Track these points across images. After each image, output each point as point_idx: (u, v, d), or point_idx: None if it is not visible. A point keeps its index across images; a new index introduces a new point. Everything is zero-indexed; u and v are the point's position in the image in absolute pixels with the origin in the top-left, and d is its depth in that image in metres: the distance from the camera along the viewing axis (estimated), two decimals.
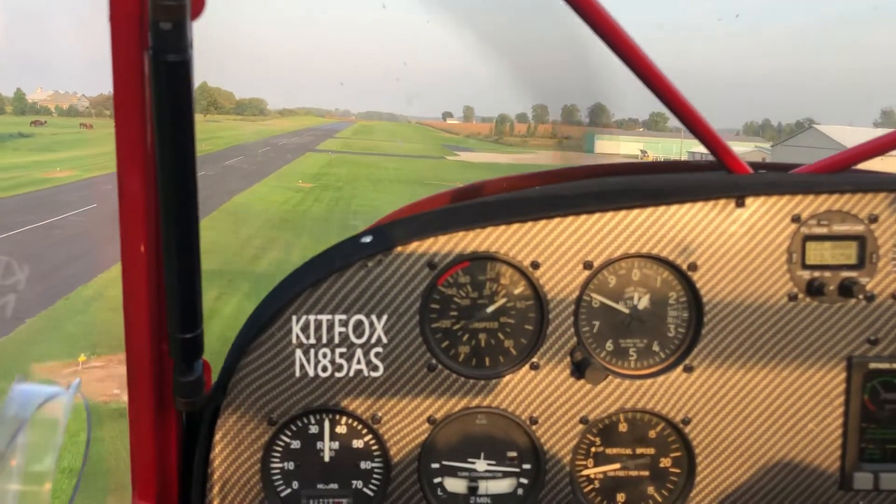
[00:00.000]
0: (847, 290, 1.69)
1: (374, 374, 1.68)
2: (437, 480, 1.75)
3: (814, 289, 1.70)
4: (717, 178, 1.81)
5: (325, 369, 1.68)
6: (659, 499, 1.79)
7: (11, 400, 1.22)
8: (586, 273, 1.68)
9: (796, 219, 1.69)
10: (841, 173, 1.83)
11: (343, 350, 1.67)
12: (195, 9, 1.24)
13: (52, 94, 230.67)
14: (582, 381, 1.70)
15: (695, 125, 1.71)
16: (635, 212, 1.67)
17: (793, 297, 1.71)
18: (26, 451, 1.18)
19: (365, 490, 1.74)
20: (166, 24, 1.14)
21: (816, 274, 1.71)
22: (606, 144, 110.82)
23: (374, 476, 1.74)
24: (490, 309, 1.70)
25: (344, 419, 1.72)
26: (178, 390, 1.48)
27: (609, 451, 1.77)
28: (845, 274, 1.71)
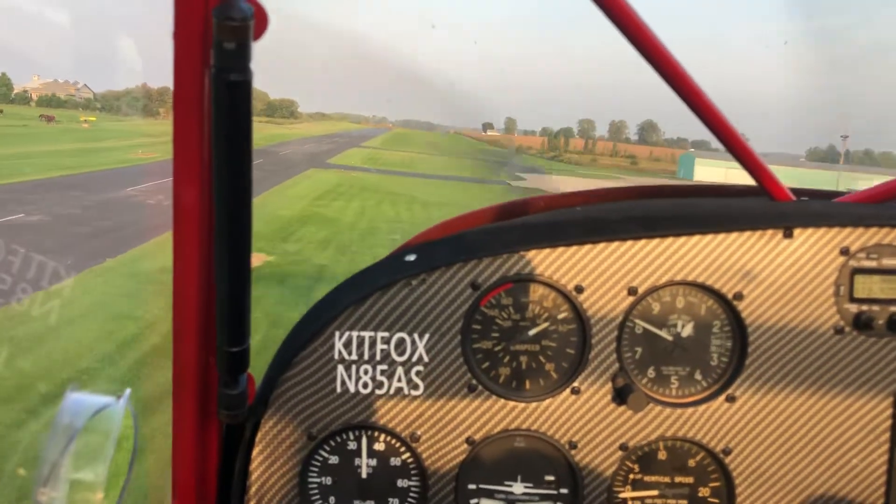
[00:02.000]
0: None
1: (414, 393, 1.68)
2: (473, 501, 1.74)
3: (861, 322, 1.67)
4: (762, 205, 1.80)
5: (365, 386, 1.68)
6: None
7: (64, 409, 1.24)
8: (631, 299, 1.67)
9: (845, 251, 1.67)
10: (889, 203, 1.80)
11: (384, 367, 1.68)
12: (258, 29, 1.26)
13: (49, 82, 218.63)
14: (623, 408, 1.69)
15: (735, 147, 1.70)
16: (682, 239, 1.66)
17: (839, 331, 1.68)
18: (78, 460, 1.20)
19: None
20: (230, 44, 1.16)
21: (864, 308, 1.68)
22: (708, 170, 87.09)
23: (411, 495, 1.74)
24: (532, 332, 1.69)
25: (383, 436, 1.72)
26: (222, 403, 1.49)
27: (647, 478, 1.75)
28: (894, 308, 1.68)
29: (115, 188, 32.48)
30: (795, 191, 1.84)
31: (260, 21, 1.26)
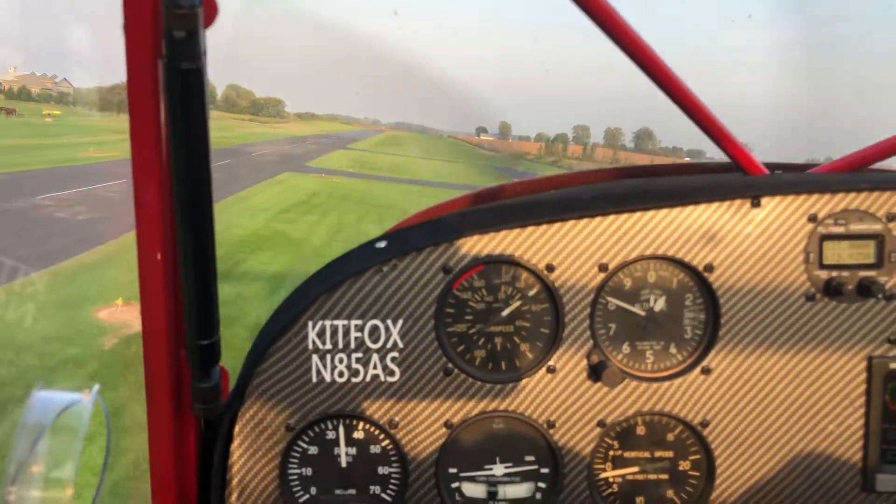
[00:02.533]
0: (865, 289, 1.67)
1: (390, 379, 1.68)
2: (454, 485, 1.74)
3: (832, 289, 1.68)
4: (732, 178, 1.80)
5: (341, 375, 1.68)
6: (678, 501, 1.78)
7: (32, 407, 1.23)
8: (602, 275, 1.67)
9: (813, 218, 1.68)
10: (858, 172, 1.81)
11: (359, 355, 1.67)
12: (208, 17, 1.25)
13: (25, 74, 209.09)
14: (599, 384, 1.70)
15: (708, 125, 1.70)
16: (650, 213, 1.66)
17: (810, 298, 1.69)
18: (47, 458, 1.19)
19: (383, 495, 1.74)
20: (180, 33, 1.15)
21: (834, 274, 1.69)
22: None
23: (392, 481, 1.74)
24: (505, 312, 1.70)
25: (361, 424, 1.72)
26: (196, 397, 1.48)
27: (627, 454, 1.76)
28: (863, 273, 1.69)
29: (28, 194, 24.95)
30: (770, 165, 1.85)
31: (209, 9, 1.25)
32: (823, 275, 1.69)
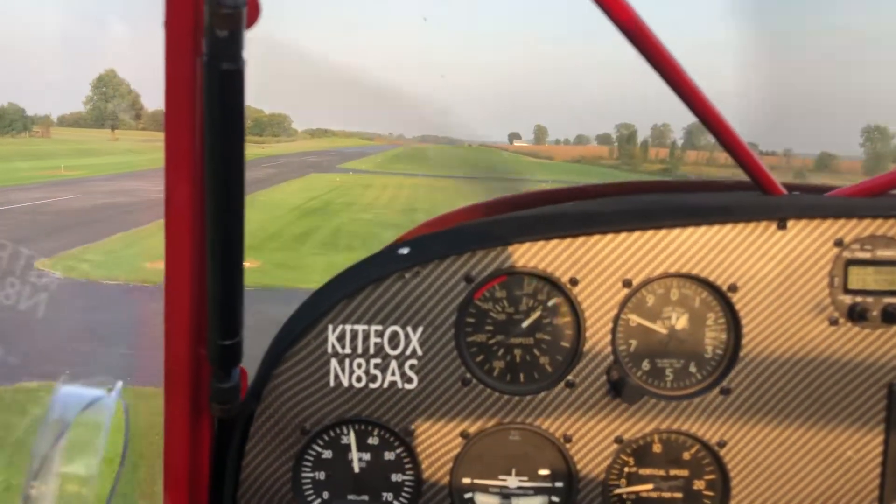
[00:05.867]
0: (890, 316, 1.66)
1: (408, 387, 1.68)
2: (468, 496, 1.73)
3: (856, 314, 1.67)
4: (756, 199, 1.80)
5: (359, 380, 1.67)
6: None
7: (55, 403, 1.23)
8: (625, 291, 1.67)
9: (839, 243, 1.67)
10: (883, 197, 1.81)
11: (378, 361, 1.67)
12: (251, 17, 1.25)
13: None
14: (617, 401, 1.69)
15: (728, 140, 1.69)
16: (676, 231, 1.66)
17: (833, 322, 1.68)
18: (69, 454, 1.19)
19: (395, 503, 1.73)
20: (222, 32, 1.14)
21: (859, 299, 1.68)
22: None
23: (405, 489, 1.73)
24: (526, 323, 1.69)
25: (376, 431, 1.71)
26: (215, 396, 1.48)
27: (642, 471, 1.75)
28: (888, 300, 1.68)
29: None
30: (787, 185, 1.85)
31: (252, 9, 1.25)
32: (847, 300, 1.68)
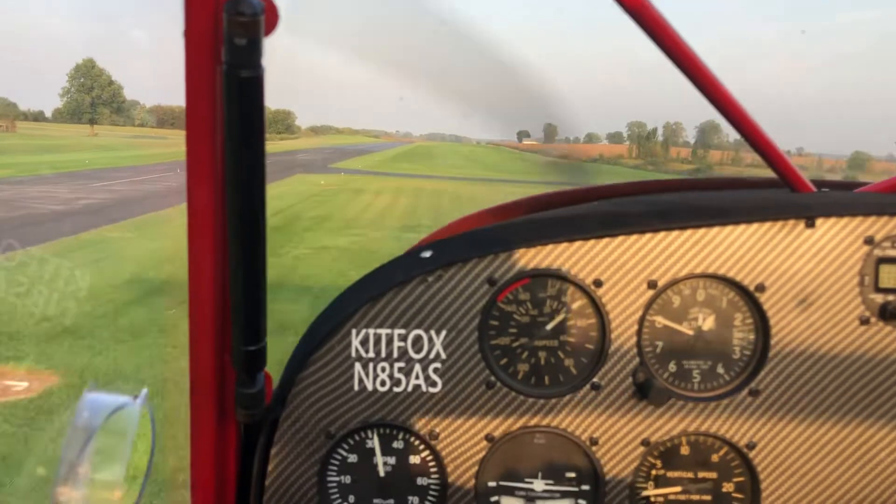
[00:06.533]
0: None
1: (432, 390, 1.67)
2: (493, 499, 1.72)
3: (888, 313, 1.63)
4: (784, 196, 1.76)
5: (383, 384, 1.67)
6: None
7: (82, 409, 1.24)
8: (651, 292, 1.64)
9: (869, 240, 1.64)
10: None
11: (402, 365, 1.66)
12: (269, 25, 1.25)
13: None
14: (644, 403, 1.67)
15: (756, 140, 1.66)
16: (701, 231, 1.63)
17: (864, 321, 1.65)
18: (96, 460, 1.20)
19: None
20: (241, 40, 1.16)
21: (890, 297, 1.64)
22: None
23: (431, 493, 1.72)
24: (550, 326, 1.67)
25: (401, 434, 1.71)
26: (240, 402, 1.49)
27: (670, 474, 1.73)
28: None
29: None
30: (816, 182, 1.81)
31: (270, 16, 1.25)
32: (879, 298, 1.65)
